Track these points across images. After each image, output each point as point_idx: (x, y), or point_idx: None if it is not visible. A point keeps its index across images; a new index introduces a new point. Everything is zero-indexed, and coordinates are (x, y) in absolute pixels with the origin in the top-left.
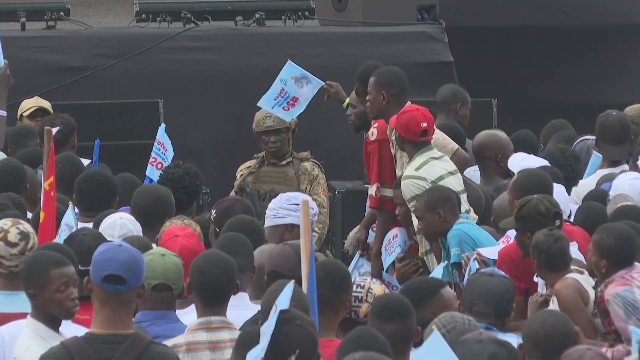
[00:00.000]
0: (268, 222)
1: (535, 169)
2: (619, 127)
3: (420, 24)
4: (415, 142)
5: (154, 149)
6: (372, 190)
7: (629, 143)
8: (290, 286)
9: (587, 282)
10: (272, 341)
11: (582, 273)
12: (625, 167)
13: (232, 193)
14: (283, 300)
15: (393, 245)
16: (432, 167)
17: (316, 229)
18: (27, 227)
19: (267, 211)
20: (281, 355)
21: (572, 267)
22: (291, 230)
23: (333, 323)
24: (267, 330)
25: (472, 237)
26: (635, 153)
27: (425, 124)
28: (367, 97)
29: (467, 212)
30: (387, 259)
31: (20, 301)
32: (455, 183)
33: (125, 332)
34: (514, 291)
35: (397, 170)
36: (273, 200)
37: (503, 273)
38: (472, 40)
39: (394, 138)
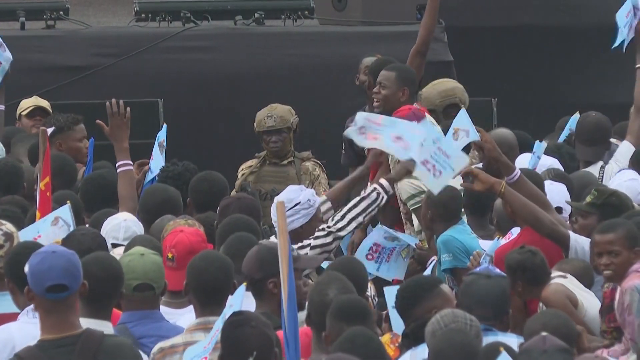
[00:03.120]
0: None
1: (527, 169)
2: (594, 129)
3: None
4: None
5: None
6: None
7: (604, 145)
8: (242, 288)
9: (572, 284)
10: (229, 345)
11: (565, 277)
12: (601, 164)
13: (233, 193)
14: (236, 302)
15: (382, 252)
16: None
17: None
18: (9, 227)
19: (273, 222)
20: (239, 358)
21: (554, 273)
22: (301, 231)
23: None
24: (213, 330)
25: (462, 242)
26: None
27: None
28: (380, 90)
29: None
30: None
31: (8, 302)
32: (457, 182)
33: (76, 333)
34: (509, 288)
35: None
36: (272, 212)
37: (498, 271)
38: (471, 39)
39: None
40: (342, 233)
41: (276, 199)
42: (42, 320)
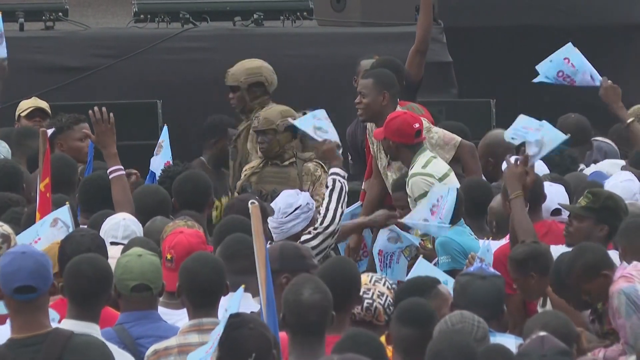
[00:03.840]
0: (279, 237)
1: None
2: (575, 130)
3: None
4: (411, 145)
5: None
6: (364, 185)
7: (585, 146)
8: (240, 290)
9: None
10: (227, 347)
11: None
12: (582, 167)
13: (235, 194)
14: (233, 305)
15: (385, 257)
16: (437, 164)
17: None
18: (6, 228)
19: (271, 228)
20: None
21: None
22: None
23: (344, 318)
24: (214, 334)
25: (460, 244)
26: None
27: (417, 125)
28: (362, 100)
29: None
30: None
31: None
32: (455, 180)
33: (43, 332)
34: (504, 286)
35: (385, 181)
36: (270, 218)
37: (493, 270)
38: (470, 40)
39: (381, 149)
40: (330, 229)
41: (274, 202)
42: (12, 320)
